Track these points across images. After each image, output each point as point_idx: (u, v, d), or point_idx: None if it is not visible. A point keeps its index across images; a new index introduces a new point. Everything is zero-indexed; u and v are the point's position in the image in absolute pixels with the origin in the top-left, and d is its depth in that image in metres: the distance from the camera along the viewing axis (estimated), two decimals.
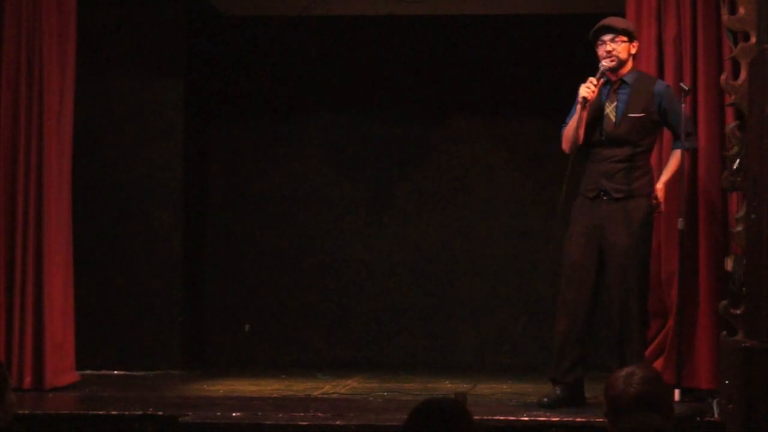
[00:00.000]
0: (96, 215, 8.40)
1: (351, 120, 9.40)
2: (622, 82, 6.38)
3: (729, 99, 6.20)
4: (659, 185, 6.30)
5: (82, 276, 7.60)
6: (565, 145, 6.48)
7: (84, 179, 7.95)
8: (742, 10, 6.13)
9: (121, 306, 8.47)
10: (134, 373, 8.17)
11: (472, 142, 9.40)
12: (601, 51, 6.39)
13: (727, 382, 5.66)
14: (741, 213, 5.98)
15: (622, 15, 6.84)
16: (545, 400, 6.22)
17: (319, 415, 5.86)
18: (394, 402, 6.54)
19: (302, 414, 5.86)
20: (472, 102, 9.35)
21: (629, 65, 6.40)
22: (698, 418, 5.73)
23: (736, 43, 6.18)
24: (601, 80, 6.35)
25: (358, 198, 9.35)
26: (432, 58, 9.25)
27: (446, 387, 7.36)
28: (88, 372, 7.87)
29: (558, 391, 6.26)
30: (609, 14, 7.96)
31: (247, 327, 9.27)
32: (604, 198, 6.32)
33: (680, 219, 6.27)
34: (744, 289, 5.85)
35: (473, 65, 9.30)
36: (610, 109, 6.36)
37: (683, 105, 6.25)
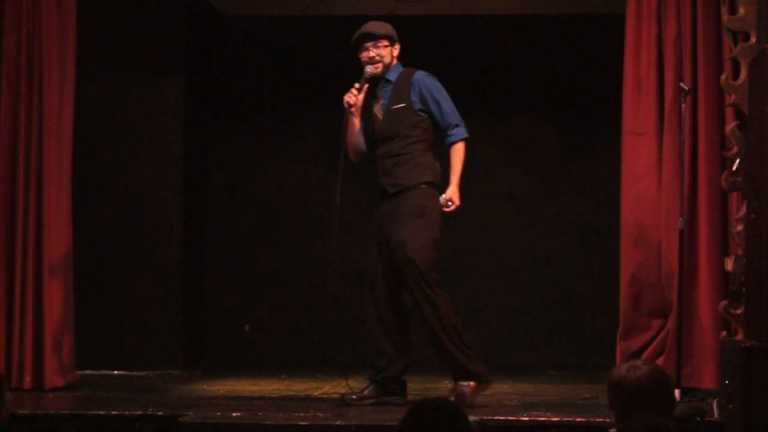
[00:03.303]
0: (96, 215, 8.40)
1: None
2: (387, 81, 6.41)
3: (729, 99, 6.20)
4: (450, 189, 6.23)
5: (82, 276, 7.60)
6: (351, 155, 6.51)
7: (84, 179, 7.95)
8: (742, 10, 6.13)
9: (121, 306, 8.47)
10: (134, 373, 8.17)
11: (471, 142, 9.36)
12: (364, 57, 6.43)
13: (727, 382, 5.66)
14: (741, 213, 5.98)
15: (622, 15, 6.84)
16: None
17: (319, 415, 5.86)
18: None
19: (302, 414, 5.86)
20: (471, 102, 9.33)
21: (393, 66, 6.44)
22: (698, 418, 5.72)
23: (736, 43, 6.18)
24: (366, 85, 6.38)
25: (358, 198, 9.35)
26: (432, 58, 9.23)
27: (446, 387, 7.35)
28: (88, 372, 7.87)
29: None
30: (609, 14, 8.00)
31: (247, 327, 9.27)
32: (384, 195, 6.34)
33: (680, 219, 6.27)
34: (744, 289, 5.85)
35: (473, 65, 9.30)
36: (377, 109, 6.42)
37: (448, 98, 6.32)
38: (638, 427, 3.37)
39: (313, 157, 9.37)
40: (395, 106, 6.34)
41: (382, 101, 6.41)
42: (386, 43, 6.43)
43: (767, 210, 5.50)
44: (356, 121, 6.42)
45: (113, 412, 5.98)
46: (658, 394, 3.53)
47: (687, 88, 6.33)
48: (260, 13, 9.24)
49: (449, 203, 6.23)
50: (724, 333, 6.12)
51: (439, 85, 6.38)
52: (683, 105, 6.35)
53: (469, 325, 9.24)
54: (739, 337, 5.86)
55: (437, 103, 6.31)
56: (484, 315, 9.23)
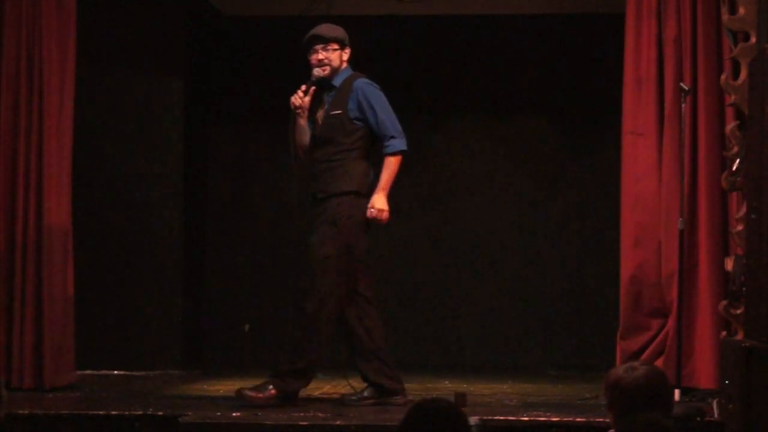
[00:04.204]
0: (96, 215, 8.40)
1: None
2: (332, 86, 6.40)
3: (729, 99, 6.20)
4: (374, 197, 6.24)
5: (82, 276, 7.59)
6: (302, 154, 6.53)
7: (84, 179, 7.95)
8: (742, 10, 6.13)
9: (121, 306, 8.47)
10: (134, 373, 8.17)
11: (472, 142, 9.40)
12: (313, 59, 6.42)
13: (727, 382, 5.66)
14: (741, 213, 5.98)
15: (622, 15, 6.84)
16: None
17: (319, 415, 5.86)
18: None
19: (302, 414, 5.86)
20: (471, 102, 9.35)
21: (342, 70, 6.43)
22: (698, 418, 5.72)
23: (736, 43, 6.18)
24: (313, 88, 6.37)
25: None
26: (432, 58, 9.25)
27: (446, 387, 7.36)
28: (88, 372, 7.87)
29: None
30: (609, 14, 8.00)
31: (247, 327, 9.27)
32: (314, 200, 6.36)
33: (680, 219, 6.27)
34: (744, 289, 5.85)
35: (473, 65, 9.30)
36: (319, 114, 6.43)
37: (387, 108, 6.30)
38: (637, 427, 3.37)
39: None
40: (333, 112, 6.34)
41: (326, 107, 6.42)
42: (336, 46, 6.42)
43: (767, 210, 5.50)
44: (303, 122, 6.43)
45: (113, 412, 5.98)
46: (656, 394, 3.53)
47: (687, 88, 6.33)
48: (260, 13, 9.24)
49: (372, 211, 6.22)
50: (724, 333, 6.12)
51: (379, 94, 6.34)
52: (683, 105, 6.35)
53: (469, 325, 9.28)
54: (739, 337, 5.86)
55: (374, 112, 6.28)
56: (483, 315, 9.23)
